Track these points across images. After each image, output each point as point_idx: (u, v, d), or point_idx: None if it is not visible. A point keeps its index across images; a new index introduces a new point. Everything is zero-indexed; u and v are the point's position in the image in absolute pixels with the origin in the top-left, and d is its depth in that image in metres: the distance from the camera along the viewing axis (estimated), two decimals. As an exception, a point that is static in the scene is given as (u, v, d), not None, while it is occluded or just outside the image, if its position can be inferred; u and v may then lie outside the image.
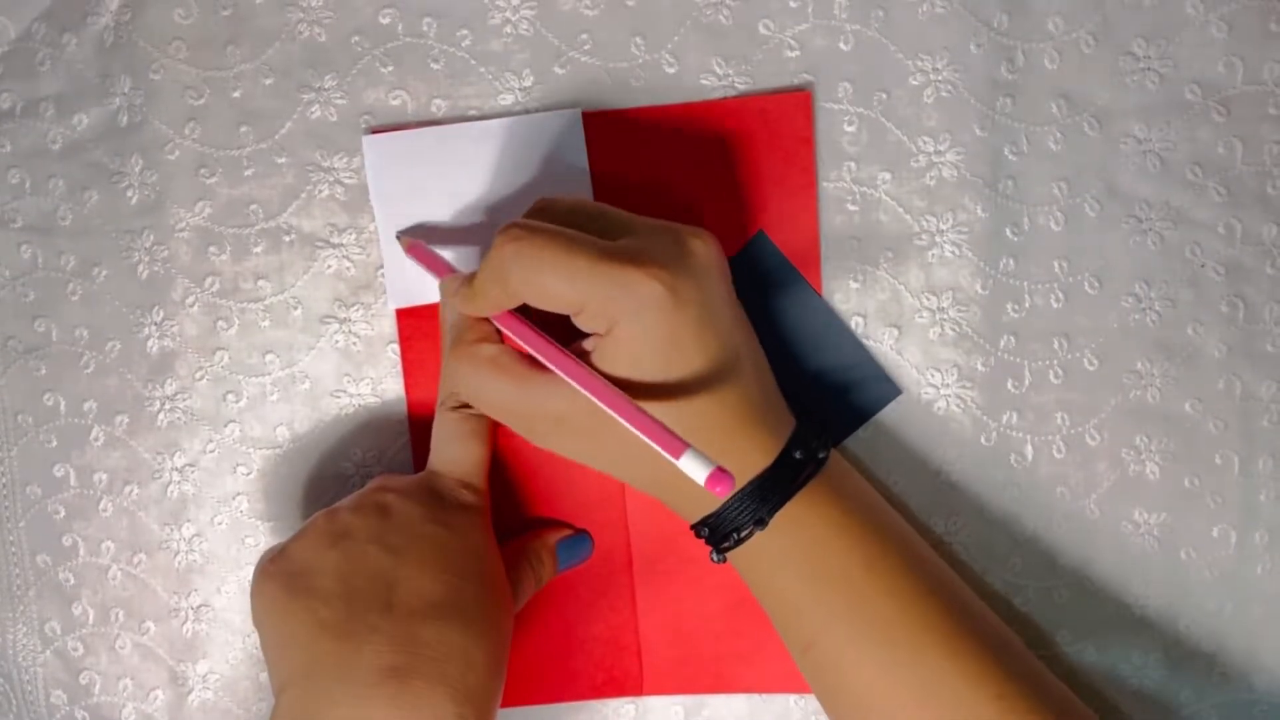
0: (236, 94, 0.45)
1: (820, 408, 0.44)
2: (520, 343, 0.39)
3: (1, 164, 0.45)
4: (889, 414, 0.44)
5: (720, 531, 0.39)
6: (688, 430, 0.36)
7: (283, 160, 0.45)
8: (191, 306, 0.45)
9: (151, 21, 0.45)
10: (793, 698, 0.46)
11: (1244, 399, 0.44)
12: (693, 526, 0.40)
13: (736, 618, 0.45)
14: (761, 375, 0.40)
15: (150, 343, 0.46)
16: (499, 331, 0.40)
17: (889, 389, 0.44)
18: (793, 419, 0.40)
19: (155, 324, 0.46)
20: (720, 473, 0.33)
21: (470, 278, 0.39)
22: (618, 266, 0.35)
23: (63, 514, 0.46)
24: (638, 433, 0.34)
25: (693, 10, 0.44)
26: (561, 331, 0.39)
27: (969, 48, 0.43)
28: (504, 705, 0.45)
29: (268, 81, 0.45)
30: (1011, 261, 0.44)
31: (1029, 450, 0.44)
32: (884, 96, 0.44)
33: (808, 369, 0.44)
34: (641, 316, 0.36)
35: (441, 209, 0.44)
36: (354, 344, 0.45)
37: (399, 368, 0.45)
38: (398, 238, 0.44)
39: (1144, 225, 0.44)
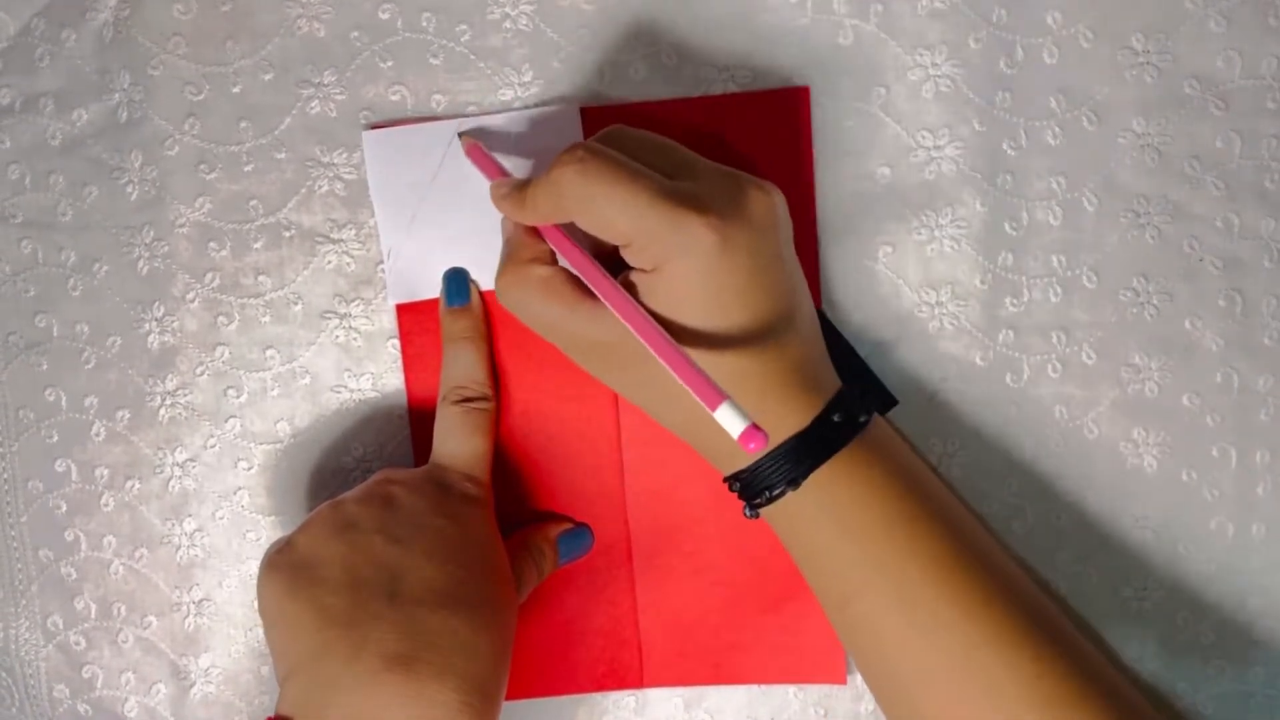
0: (236, 89, 0.45)
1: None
2: (570, 266, 0.38)
3: (1, 160, 0.45)
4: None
5: (753, 488, 0.38)
6: (723, 382, 0.35)
7: (282, 156, 0.45)
8: (192, 302, 0.45)
9: (150, 17, 0.45)
10: (791, 689, 0.46)
11: (1241, 392, 0.44)
12: (726, 479, 0.40)
13: (736, 610, 0.45)
14: (810, 337, 0.39)
15: (151, 338, 0.46)
16: (553, 254, 0.40)
17: (885, 400, 0.44)
18: (837, 383, 0.39)
19: (156, 319, 0.46)
20: (755, 430, 0.32)
21: (524, 184, 0.39)
22: (674, 208, 0.35)
23: (64, 509, 0.47)
24: (676, 376, 0.34)
25: (692, 5, 0.44)
26: (609, 260, 0.39)
27: (968, 42, 0.43)
28: (505, 698, 0.45)
29: (267, 77, 0.45)
30: (1010, 256, 0.44)
31: (1028, 441, 0.45)
32: (883, 91, 0.44)
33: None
34: (689, 262, 0.36)
35: (441, 204, 0.44)
36: (354, 339, 0.45)
37: (399, 363, 0.45)
38: (459, 136, 0.44)
39: (1142, 219, 0.44)
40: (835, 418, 0.38)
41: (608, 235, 0.36)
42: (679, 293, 0.36)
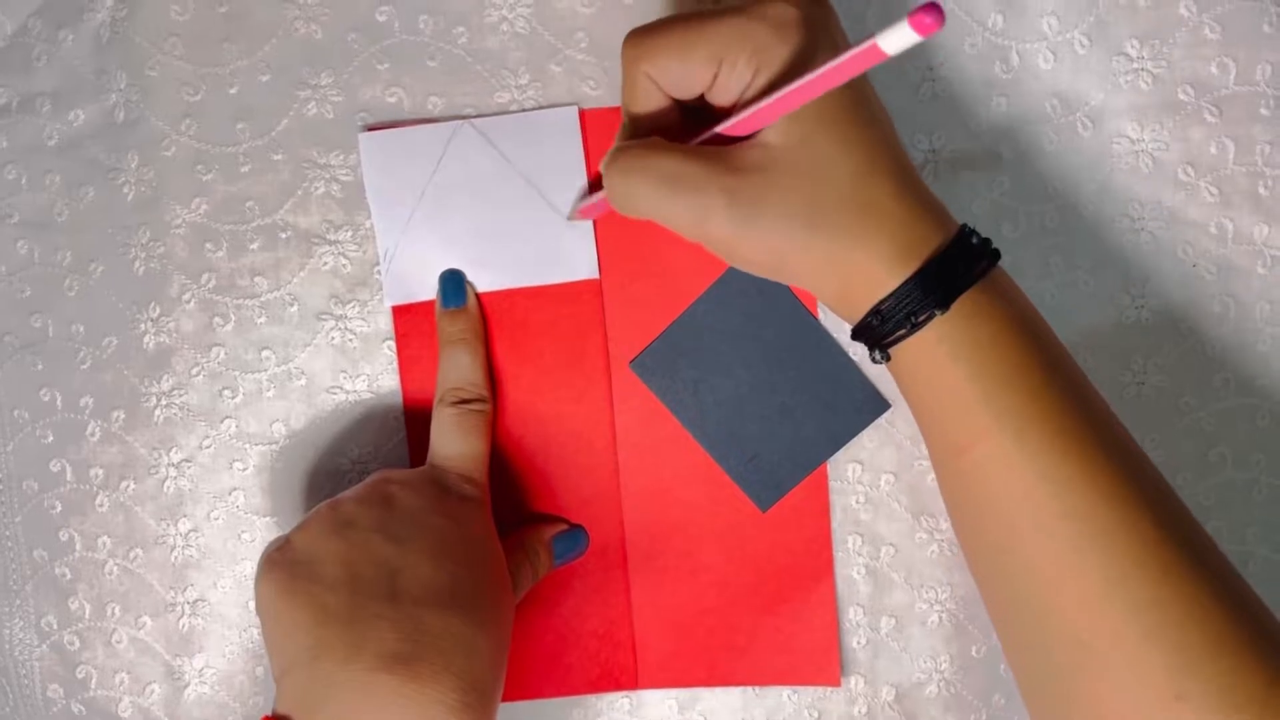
0: (233, 90, 0.45)
1: (811, 421, 0.45)
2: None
3: (-2, 160, 0.46)
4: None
5: (893, 319, 0.36)
6: (862, 167, 0.35)
7: (279, 157, 0.45)
8: (188, 303, 0.45)
9: (148, 18, 0.45)
10: (786, 691, 0.46)
11: (1236, 397, 0.44)
12: (855, 328, 0.37)
13: (731, 612, 0.45)
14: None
15: (147, 339, 0.46)
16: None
17: (879, 404, 0.44)
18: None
19: (152, 320, 0.46)
20: (922, 10, 0.27)
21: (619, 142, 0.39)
22: (742, 7, 0.36)
23: (59, 509, 0.47)
24: (836, 77, 0.32)
25: (689, 9, 0.44)
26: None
27: (964, 47, 0.44)
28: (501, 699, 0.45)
29: (264, 78, 0.45)
30: (1007, 259, 0.44)
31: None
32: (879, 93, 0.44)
33: (798, 383, 0.45)
34: (785, 35, 0.35)
35: (438, 206, 0.44)
36: (350, 340, 0.45)
37: (395, 364, 0.45)
38: (571, 220, 0.44)
39: (1137, 225, 0.44)
40: (974, 240, 0.36)
41: (700, 70, 0.36)
42: (790, 74, 0.35)
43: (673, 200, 0.36)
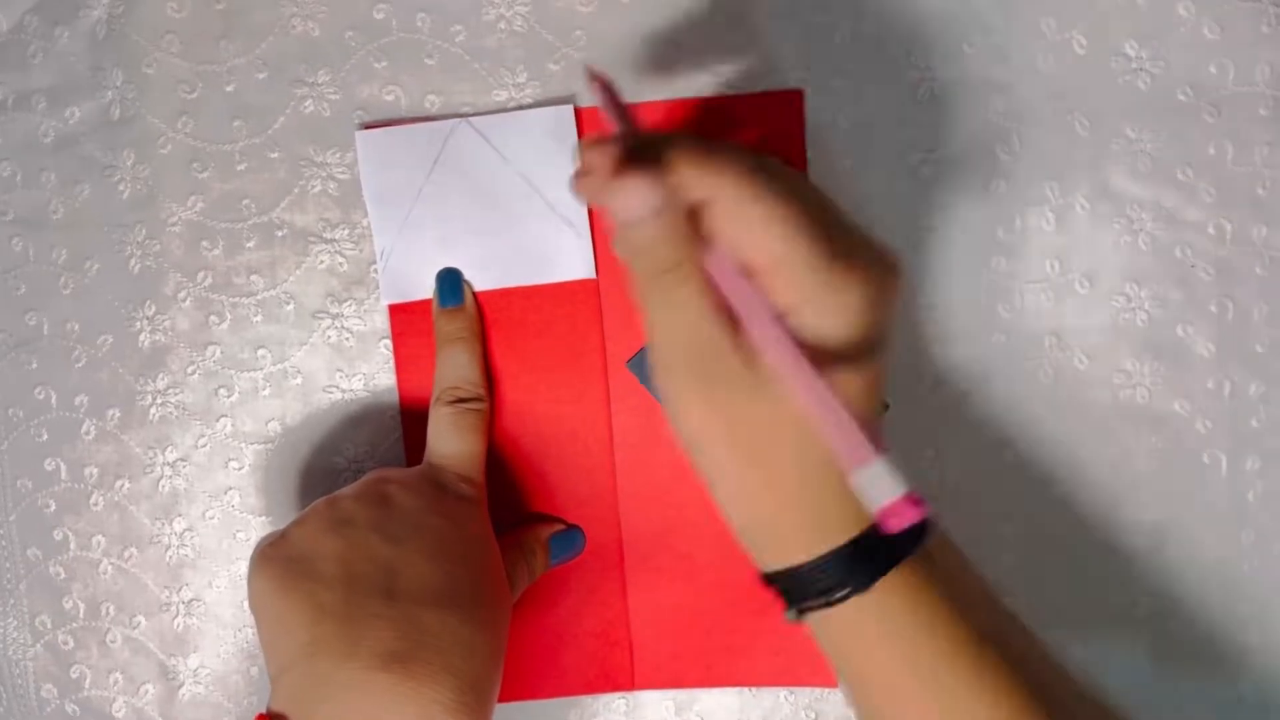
0: (229, 88, 0.45)
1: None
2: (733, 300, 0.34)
3: (-7, 157, 0.45)
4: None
5: (810, 586, 0.34)
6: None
7: (276, 155, 0.45)
8: (184, 301, 0.45)
9: (144, 15, 0.44)
10: (782, 692, 0.46)
11: (1233, 398, 0.44)
12: (766, 575, 0.35)
13: (728, 613, 0.45)
14: None
15: (142, 337, 0.46)
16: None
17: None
18: None
19: (147, 318, 0.46)
20: (906, 501, 0.25)
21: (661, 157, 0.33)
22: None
23: (53, 508, 0.46)
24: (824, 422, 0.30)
25: (686, 6, 0.44)
26: None
27: (962, 48, 0.44)
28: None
29: (261, 76, 0.45)
30: (1003, 261, 0.44)
31: (1020, 446, 0.45)
32: (877, 95, 0.44)
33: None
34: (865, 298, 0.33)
35: (434, 205, 0.44)
36: (346, 339, 0.45)
37: (391, 363, 0.45)
38: (591, 84, 0.38)
39: (1135, 225, 0.44)
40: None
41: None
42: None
43: (687, 371, 0.33)
